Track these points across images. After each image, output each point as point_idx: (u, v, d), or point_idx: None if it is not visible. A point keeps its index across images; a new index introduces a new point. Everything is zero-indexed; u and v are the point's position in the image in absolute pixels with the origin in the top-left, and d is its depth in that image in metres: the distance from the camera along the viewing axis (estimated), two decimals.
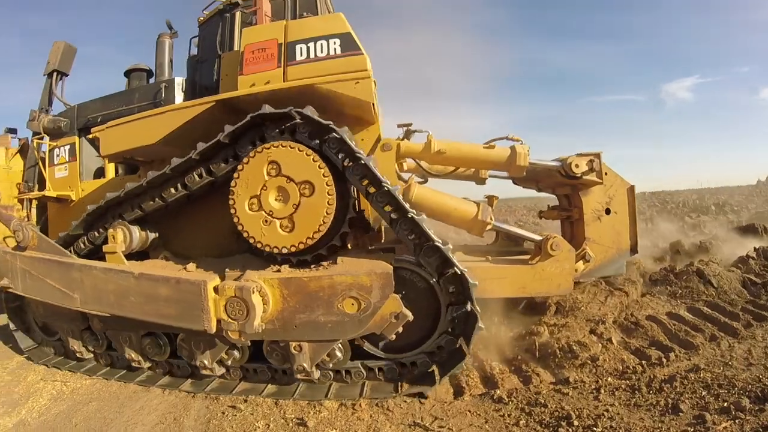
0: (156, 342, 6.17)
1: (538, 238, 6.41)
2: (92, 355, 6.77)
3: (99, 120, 7.44)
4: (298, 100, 5.58)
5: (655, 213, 27.26)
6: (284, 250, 5.38)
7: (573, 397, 4.88)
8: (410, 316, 5.17)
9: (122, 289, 5.56)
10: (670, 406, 4.49)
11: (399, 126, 6.96)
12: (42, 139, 7.99)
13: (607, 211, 7.21)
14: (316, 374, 5.53)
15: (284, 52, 6.15)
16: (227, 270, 5.65)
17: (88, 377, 6.59)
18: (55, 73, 8.03)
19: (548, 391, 5.08)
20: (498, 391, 5.19)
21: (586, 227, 7.21)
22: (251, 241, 5.45)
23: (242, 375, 6.08)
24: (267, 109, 5.40)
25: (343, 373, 5.75)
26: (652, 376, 5.10)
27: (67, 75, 8.27)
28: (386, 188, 5.14)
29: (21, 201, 8.23)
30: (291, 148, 5.36)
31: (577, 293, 7.66)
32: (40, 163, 7.99)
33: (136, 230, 6.02)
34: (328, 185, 5.23)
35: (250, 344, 5.76)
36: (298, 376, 5.53)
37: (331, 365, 5.62)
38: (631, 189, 7.24)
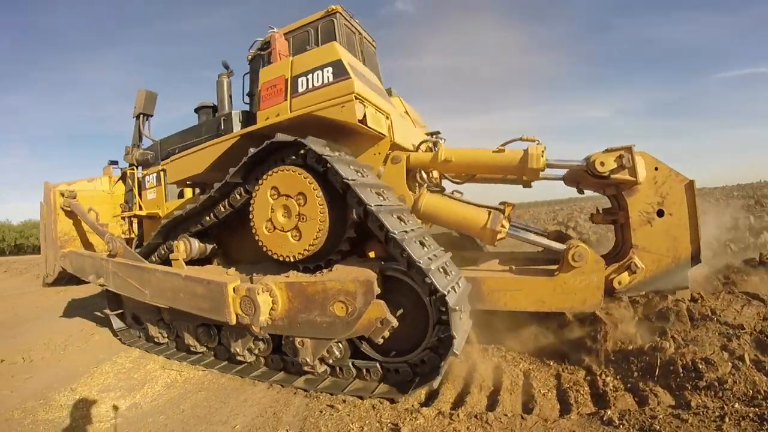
0: (207, 331, 7.22)
1: (560, 247, 5.95)
2: (166, 339, 8.01)
3: (177, 151, 8.33)
4: (303, 128, 6.05)
5: None
6: (295, 257, 5.88)
7: (692, 424, 4.13)
8: (394, 323, 5.40)
9: (175, 287, 6.66)
10: None
11: (427, 134, 7.15)
12: (135, 169, 9.63)
13: (660, 213, 6.06)
14: (320, 368, 6.06)
15: (290, 86, 6.64)
16: (254, 274, 6.38)
17: (203, 369, 6.92)
18: (141, 116, 9.33)
19: (665, 415, 4.32)
20: (609, 412, 4.53)
21: (633, 232, 6.15)
22: (270, 254, 6.05)
23: (268, 362, 6.74)
24: (280, 137, 5.88)
25: (337, 369, 6.12)
26: None
27: (151, 116, 9.53)
28: (371, 209, 5.31)
29: (123, 218, 9.74)
30: (283, 171, 5.90)
31: (711, 300, 6.73)
32: (135, 189, 9.46)
33: (195, 242, 7.13)
34: (315, 190, 5.66)
35: (268, 336, 6.48)
36: (305, 368, 6.06)
37: (331, 361, 6.03)
38: (690, 185, 5.96)
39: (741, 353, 5.10)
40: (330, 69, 6.28)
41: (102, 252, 8.26)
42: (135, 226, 9.74)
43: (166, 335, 7.96)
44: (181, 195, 9.29)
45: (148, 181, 9.27)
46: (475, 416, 4.78)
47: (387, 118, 6.77)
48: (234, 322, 6.00)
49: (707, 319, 6.19)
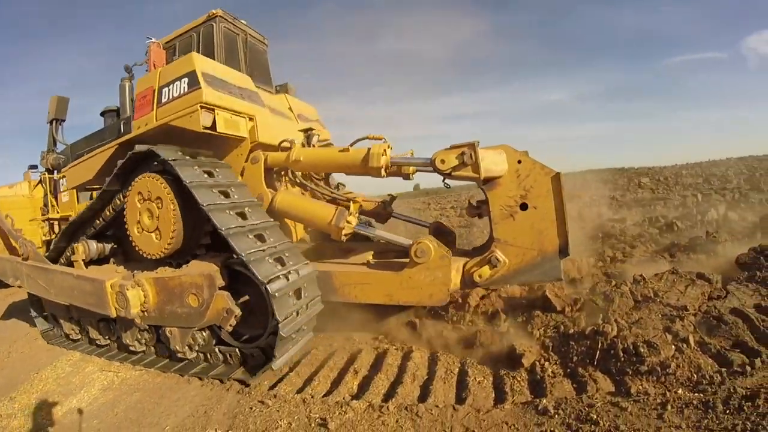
0: (107, 325, 7.40)
1: (406, 242, 5.82)
2: (79, 336, 8.05)
3: (83, 155, 8.14)
4: (169, 137, 6.34)
5: (743, 182, 23.17)
6: (158, 255, 6.09)
7: (632, 413, 3.79)
8: (237, 312, 5.58)
9: (71, 285, 6.91)
10: None
11: (302, 131, 7.28)
12: (51, 173, 9.51)
13: (524, 207, 5.81)
14: (191, 354, 6.31)
15: (156, 96, 6.63)
16: (136, 271, 6.56)
17: (139, 369, 6.59)
18: (54, 121, 9.08)
19: (603, 403, 3.99)
20: (545, 401, 4.19)
21: (495, 226, 5.92)
22: (141, 253, 6.28)
23: (156, 350, 6.92)
24: (137, 148, 6.15)
25: (207, 354, 6.34)
26: (731, 390, 3.86)
27: (64, 120, 9.29)
28: (203, 208, 5.52)
29: (44, 221, 9.62)
30: (145, 178, 6.13)
31: (654, 281, 6.40)
32: (49, 193, 9.45)
33: (93, 243, 7.22)
34: (168, 194, 5.86)
35: (148, 327, 6.67)
36: (179, 354, 6.30)
37: (197, 348, 6.31)
38: (556, 177, 5.69)
39: (685, 335, 4.75)
40: (186, 79, 6.29)
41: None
42: (56, 228, 9.46)
43: (78, 331, 8.08)
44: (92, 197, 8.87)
45: (62, 185, 9.15)
46: (406, 408, 4.48)
47: (251, 119, 6.83)
48: (114, 314, 6.31)
49: (650, 300, 5.83)
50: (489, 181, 5.75)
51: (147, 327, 6.67)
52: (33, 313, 8.85)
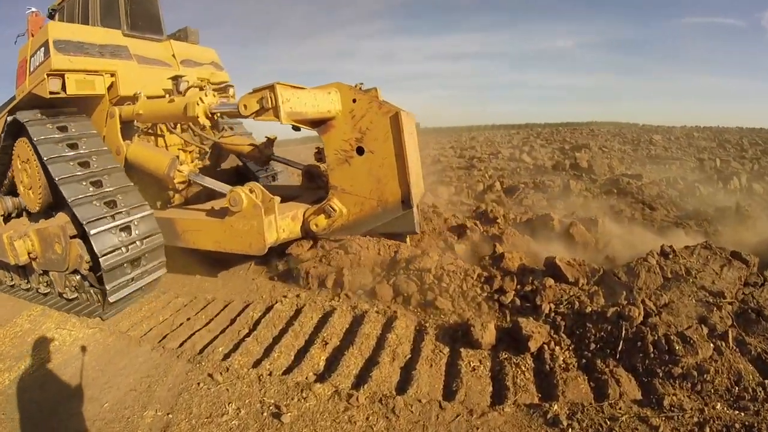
0: (22, 271, 7.53)
1: (225, 190, 5.56)
2: (12, 282, 8.12)
3: None
4: (45, 103, 6.37)
5: (759, 152, 21.17)
6: (36, 209, 6.78)
7: None
8: (88, 258, 5.78)
9: None
10: None
11: (170, 78, 6.81)
12: None
13: (360, 151, 5.44)
14: (72, 294, 6.50)
15: (28, 66, 6.63)
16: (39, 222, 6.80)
17: (92, 327, 5.81)
18: None
19: (629, 417, 2.90)
20: (555, 406, 3.15)
21: (330, 172, 5.72)
22: (27, 208, 7.05)
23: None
24: (6, 117, 6.74)
25: (85, 295, 6.41)
26: None
27: None
28: (44, 162, 5.84)
29: None
30: (19, 142, 6.70)
31: (685, 255, 5.06)
32: None
33: (8, 200, 7.48)
34: (32, 154, 6.26)
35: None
36: (64, 295, 6.59)
37: (75, 289, 6.47)
38: (395, 117, 5.19)
39: (723, 330, 3.69)
40: (42, 49, 6.27)
41: None
42: None
43: (10, 278, 8.18)
44: None
45: None
46: (380, 400, 3.48)
47: (111, 75, 6.69)
48: (12, 262, 6.58)
49: (681, 279, 4.60)
50: (321, 123, 5.54)
51: (42, 271, 6.85)
52: None
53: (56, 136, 6.08)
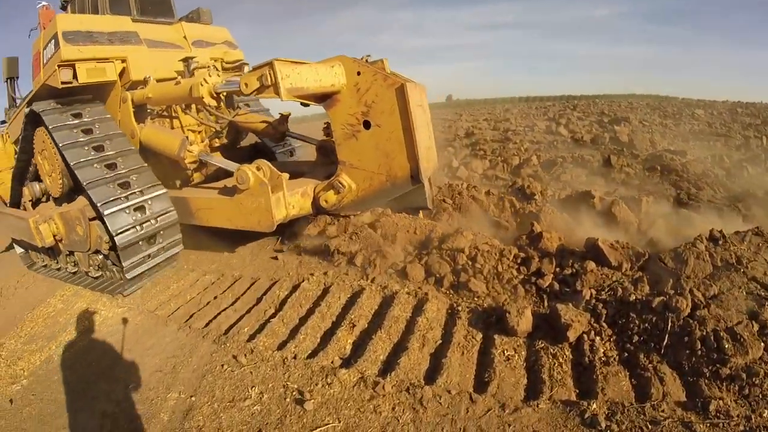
0: (52, 252, 7.98)
1: (233, 169, 5.51)
2: (45, 263, 8.55)
3: None
4: (53, 95, 6.54)
5: None
6: (58, 194, 6.94)
7: None
8: (107, 238, 5.82)
9: (14, 225, 7.78)
10: None
11: (181, 60, 6.85)
12: None
13: (366, 125, 5.31)
14: (96, 273, 6.72)
15: (41, 58, 6.77)
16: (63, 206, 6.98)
17: (122, 306, 5.93)
18: (9, 80, 9.26)
19: (673, 422, 2.67)
20: (594, 405, 2.91)
21: (338, 148, 5.64)
22: (51, 194, 7.24)
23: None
24: (24, 109, 6.99)
25: (107, 273, 6.59)
26: None
27: (18, 77, 9.43)
28: (59, 148, 6.01)
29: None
30: (38, 132, 6.85)
31: (735, 241, 4.67)
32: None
33: (36, 185, 7.68)
34: (50, 142, 6.35)
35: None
36: (89, 273, 6.85)
37: (99, 267, 6.67)
38: (401, 90, 4.99)
39: None
40: (53, 41, 6.34)
41: None
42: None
43: (42, 259, 8.62)
44: None
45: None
46: (407, 390, 3.30)
47: (122, 61, 6.79)
48: (39, 245, 6.89)
49: (732, 269, 4.23)
50: (327, 98, 5.44)
51: (68, 252, 7.19)
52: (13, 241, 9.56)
53: (71, 122, 6.22)
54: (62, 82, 6.19)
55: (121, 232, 5.54)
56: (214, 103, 5.91)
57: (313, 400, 3.32)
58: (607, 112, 28.06)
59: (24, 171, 8.09)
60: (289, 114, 7.80)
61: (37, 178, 7.74)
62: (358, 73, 5.22)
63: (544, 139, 17.01)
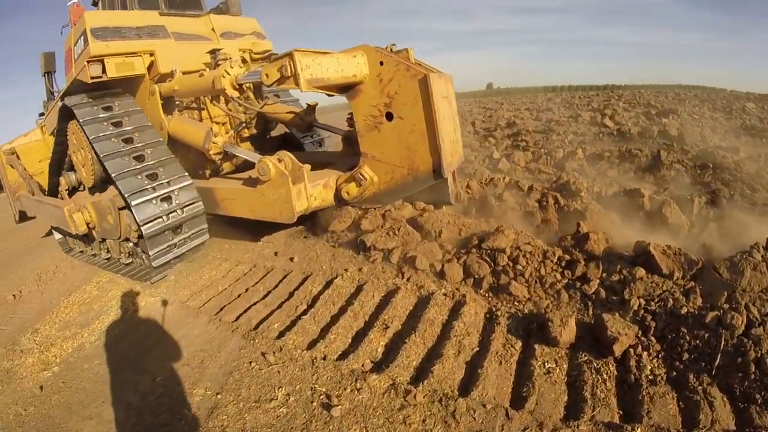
0: (86, 238, 8.26)
1: (255, 160, 5.55)
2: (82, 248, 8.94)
3: None
4: (85, 89, 6.68)
5: None
6: (90, 184, 7.17)
7: None
8: (135, 227, 5.93)
9: (49, 212, 8.07)
10: None
11: (209, 52, 6.95)
12: None
13: (389, 117, 5.18)
14: (127, 260, 7.07)
15: (72, 54, 6.95)
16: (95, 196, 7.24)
17: (154, 296, 5.98)
18: (47, 74, 9.62)
19: None
20: (639, 429, 2.71)
21: (360, 139, 5.54)
22: (84, 183, 7.47)
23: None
24: (58, 101, 7.46)
25: (137, 260, 6.90)
26: None
27: (55, 71, 9.68)
28: (90, 140, 6.20)
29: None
30: (71, 125, 7.07)
31: None
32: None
33: (71, 175, 7.99)
34: (82, 134, 6.47)
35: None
36: (120, 260, 7.21)
37: (129, 253, 7.00)
38: (424, 81, 4.83)
39: None
40: (83, 38, 6.49)
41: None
42: None
43: (79, 245, 9.02)
44: None
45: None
46: (440, 401, 3.15)
47: (151, 55, 6.86)
48: (73, 232, 7.05)
49: None
50: (349, 88, 5.35)
51: (101, 239, 7.52)
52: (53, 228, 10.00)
53: (101, 116, 6.38)
54: (91, 77, 6.33)
55: (147, 222, 5.71)
56: (236, 94, 5.93)
57: (340, 406, 3.20)
58: (654, 104, 27.17)
59: (60, 161, 8.36)
60: (316, 104, 7.85)
61: (72, 168, 7.96)
62: (381, 63, 5.11)
63: (588, 131, 16.54)
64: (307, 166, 5.35)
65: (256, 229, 6.85)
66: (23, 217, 10.28)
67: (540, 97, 44.97)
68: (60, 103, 6.98)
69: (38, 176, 9.34)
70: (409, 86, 4.94)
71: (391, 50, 5.63)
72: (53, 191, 8.94)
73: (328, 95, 5.55)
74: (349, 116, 6.20)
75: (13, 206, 10.44)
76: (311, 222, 6.59)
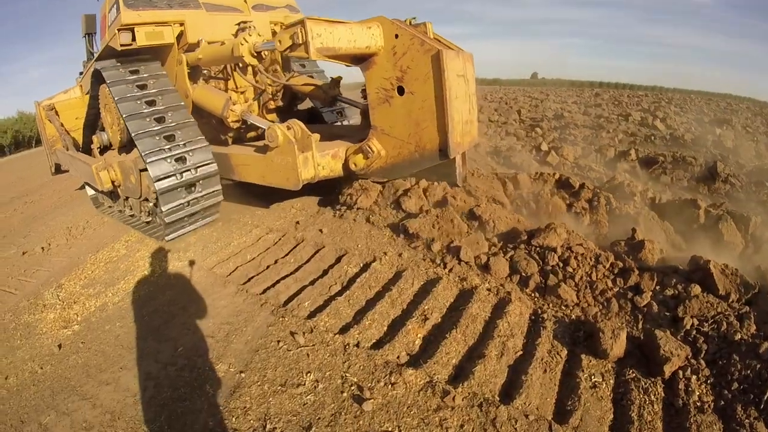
0: (112, 195, 8.64)
1: (265, 126, 5.78)
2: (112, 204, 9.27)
3: None
4: (116, 55, 6.74)
5: None
6: (118, 145, 7.35)
7: None
8: (154, 188, 5.99)
9: (80, 168, 8.24)
10: None
11: (238, 24, 6.93)
12: None
13: (401, 91, 5.26)
14: (146, 218, 7.24)
15: (107, 22, 7.21)
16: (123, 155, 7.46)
17: (182, 260, 6.00)
18: (87, 36, 9.83)
19: None
20: None
21: (371, 111, 5.67)
22: (113, 144, 7.57)
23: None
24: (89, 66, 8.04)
25: (157, 219, 6.82)
26: None
27: (95, 33, 9.65)
28: (114, 101, 6.32)
29: None
30: (102, 88, 7.21)
31: None
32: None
33: (104, 134, 8.06)
34: (111, 96, 6.45)
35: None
36: (140, 219, 7.47)
37: (149, 213, 7.13)
38: (437, 57, 4.86)
39: None
40: (115, 6, 6.63)
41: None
42: None
43: (108, 198, 9.34)
44: None
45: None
46: (480, 405, 2.96)
47: (181, 25, 7.00)
48: (100, 189, 7.70)
49: None
50: (363, 60, 5.46)
51: (125, 197, 7.78)
52: (85, 183, 10.25)
53: (128, 78, 6.54)
54: (121, 45, 6.48)
55: (161, 179, 5.86)
56: (254, 62, 6.10)
57: (372, 400, 3.04)
58: (707, 111, 26.48)
59: (94, 121, 8.73)
60: (340, 78, 7.90)
61: (104, 128, 8.15)
62: (396, 36, 5.15)
63: (638, 131, 16.15)
64: (317, 136, 5.49)
65: (287, 196, 6.90)
66: (58, 169, 10.57)
67: (587, 92, 44.31)
68: (93, 68, 7.17)
69: (74, 132, 9.64)
70: (422, 61, 4.97)
71: (410, 24, 5.67)
72: (87, 149, 9.22)
73: (346, 66, 5.64)
74: (363, 89, 6.19)
75: (50, 159, 10.71)
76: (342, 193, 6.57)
